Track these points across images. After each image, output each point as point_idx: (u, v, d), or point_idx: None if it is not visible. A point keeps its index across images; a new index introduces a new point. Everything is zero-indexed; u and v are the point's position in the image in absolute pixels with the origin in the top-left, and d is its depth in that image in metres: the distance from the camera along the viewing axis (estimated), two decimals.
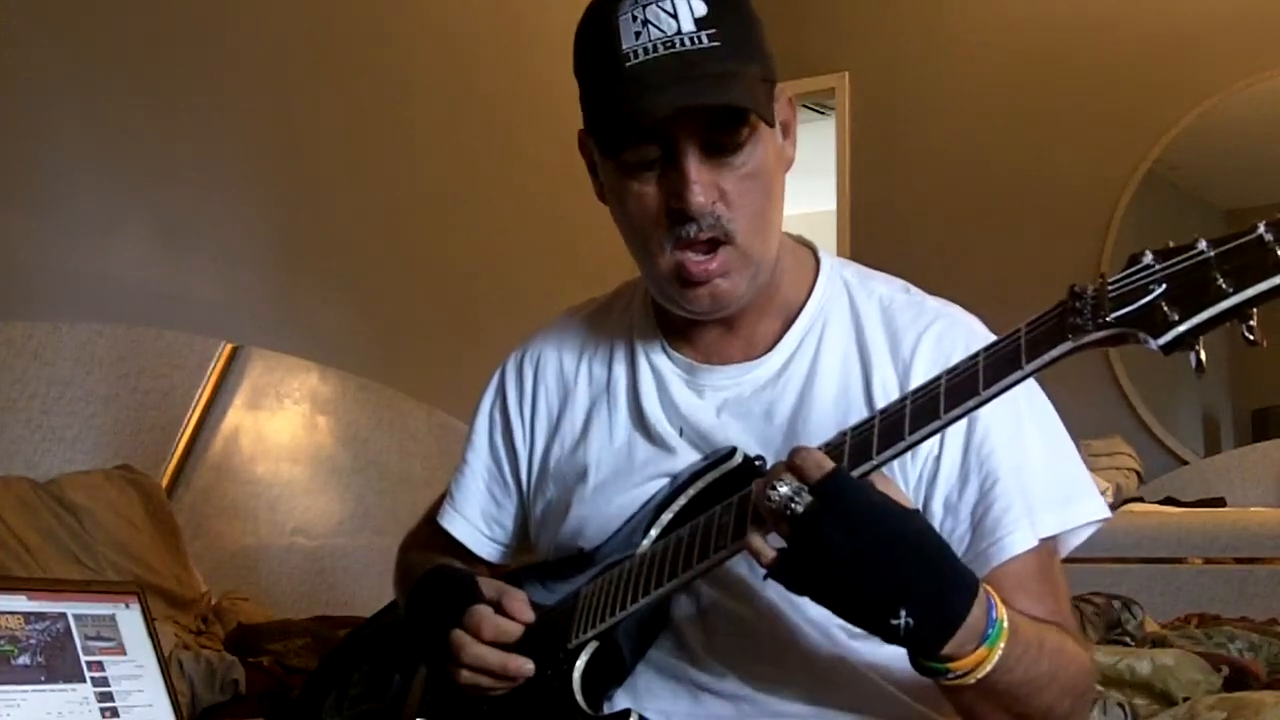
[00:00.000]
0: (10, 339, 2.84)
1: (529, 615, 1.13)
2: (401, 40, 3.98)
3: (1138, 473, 4.36)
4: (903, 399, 0.92)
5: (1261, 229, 0.77)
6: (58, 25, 3.07)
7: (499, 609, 1.14)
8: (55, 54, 3.05)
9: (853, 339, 1.17)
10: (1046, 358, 0.85)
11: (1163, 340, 0.80)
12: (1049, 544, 1.09)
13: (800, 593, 0.91)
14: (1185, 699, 1.93)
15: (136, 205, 3.23)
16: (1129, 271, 0.82)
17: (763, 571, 0.92)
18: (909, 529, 0.90)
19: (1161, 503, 4.10)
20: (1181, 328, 0.79)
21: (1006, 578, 1.05)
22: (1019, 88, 4.83)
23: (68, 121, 3.08)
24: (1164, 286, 0.80)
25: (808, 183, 6.14)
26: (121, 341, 3.04)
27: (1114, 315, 0.81)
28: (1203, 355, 0.80)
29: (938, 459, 1.10)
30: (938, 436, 1.08)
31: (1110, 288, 0.82)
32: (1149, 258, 0.82)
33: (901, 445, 0.90)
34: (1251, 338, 0.78)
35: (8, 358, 2.82)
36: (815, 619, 1.09)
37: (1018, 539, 1.06)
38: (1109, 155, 4.59)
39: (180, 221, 3.34)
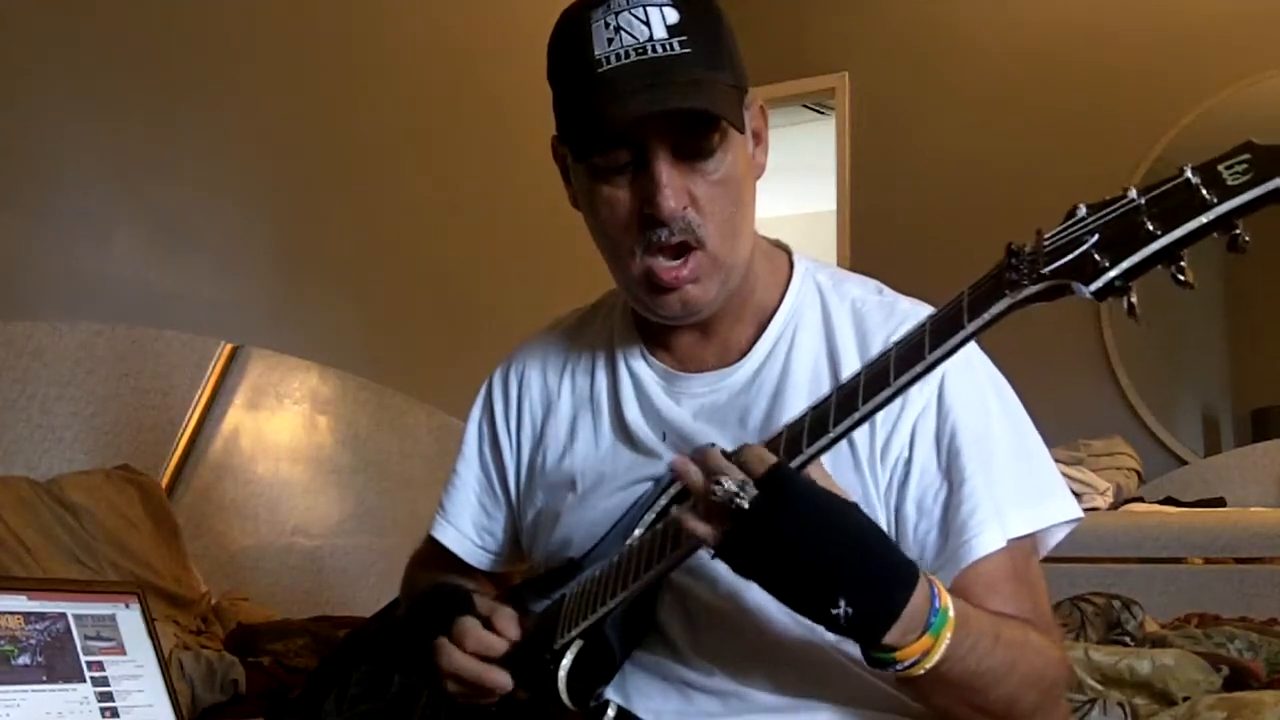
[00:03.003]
0: (10, 339, 2.84)
1: (514, 633, 1.13)
2: (401, 41, 3.99)
3: (1138, 473, 4.35)
4: (857, 373, 0.93)
5: (1188, 172, 0.79)
6: (58, 26, 3.07)
7: (488, 624, 1.14)
8: (56, 54, 3.05)
9: (823, 342, 1.17)
10: (987, 316, 0.86)
11: (1094, 287, 0.81)
12: (1024, 544, 1.09)
13: (745, 576, 0.93)
14: (1185, 699, 1.93)
15: (136, 205, 3.23)
16: (1064, 225, 0.84)
17: (711, 551, 0.94)
18: (848, 521, 0.92)
19: (1161, 503, 4.09)
20: (1112, 273, 0.80)
21: (979, 579, 1.05)
22: (1019, 88, 4.82)
23: (68, 122, 3.08)
24: (1097, 236, 0.81)
25: (808, 183, 6.14)
26: (121, 341, 3.04)
27: (1049, 268, 0.83)
28: (1134, 300, 0.81)
29: (908, 462, 1.10)
30: (907, 440, 1.10)
31: (1046, 242, 0.84)
32: (1082, 210, 0.84)
33: (857, 416, 0.91)
34: (1182, 278, 0.79)
35: (8, 358, 2.83)
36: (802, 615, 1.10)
37: (985, 540, 1.06)
38: (1109, 155, 4.59)
39: (180, 221, 3.34)
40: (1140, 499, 4.16)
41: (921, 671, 0.93)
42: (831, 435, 0.92)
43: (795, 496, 0.91)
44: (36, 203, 3.02)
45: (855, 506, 0.94)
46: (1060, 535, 1.13)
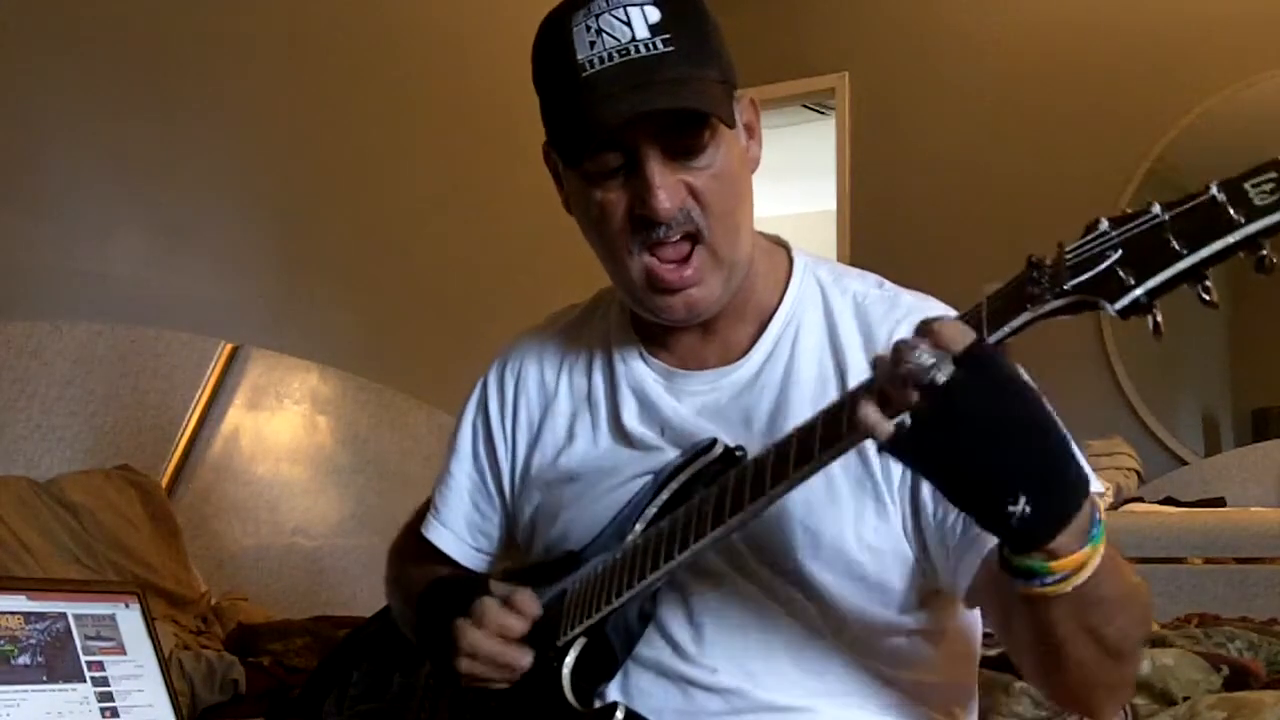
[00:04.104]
0: (10, 339, 2.84)
1: (535, 610, 1.12)
2: (401, 42, 3.99)
3: (1138, 473, 4.35)
4: (872, 379, 0.90)
5: (1214, 189, 0.78)
6: (58, 26, 3.07)
7: (506, 604, 1.13)
8: (56, 55, 3.05)
9: (826, 338, 1.17)
10: (1007, 328, 0.84)
11: (1120, 304, 0.80)
12: None
13: (917, 466, 0.88)
14: (1185, 699, 1.93)
15: (136, 205, 3.23)
16: (1086, 239, 0.82)
17: (875, 445, 0.87)
18: (1042, 410, 0.86)
19: (1161, 503, 4.09)
20: (1137, 291, 0.79)
21: None
22: (1019, 87, 4.82)
23: (68, 122, 3.08)
24: (1120, 252, 0.80)
25: (808, 183, 6.14)
26: (121, 341, 3.04)
27: (1072, 283, 0.82)
28: (1159, 318, 0.80)
29: None
30: None
31: (1068, 256, 0.82)
32: (1105, 224, 0.82)
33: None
34: (1207, 298, 0.78)
35: (8, 358, 2.83)
36: (803, 611, 1.09)
37: None
38: (1109, 155, 4.58)
39: (180, 222, 3.34)
40: (1140, 499, 4.15)
41: (1069, 588, 0.87)
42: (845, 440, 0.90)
43: (998, 375, 0.84)
44: (36, 203, 3.02)
45: (1044, 397, 0.87)
46: None
